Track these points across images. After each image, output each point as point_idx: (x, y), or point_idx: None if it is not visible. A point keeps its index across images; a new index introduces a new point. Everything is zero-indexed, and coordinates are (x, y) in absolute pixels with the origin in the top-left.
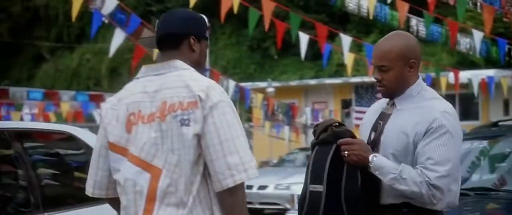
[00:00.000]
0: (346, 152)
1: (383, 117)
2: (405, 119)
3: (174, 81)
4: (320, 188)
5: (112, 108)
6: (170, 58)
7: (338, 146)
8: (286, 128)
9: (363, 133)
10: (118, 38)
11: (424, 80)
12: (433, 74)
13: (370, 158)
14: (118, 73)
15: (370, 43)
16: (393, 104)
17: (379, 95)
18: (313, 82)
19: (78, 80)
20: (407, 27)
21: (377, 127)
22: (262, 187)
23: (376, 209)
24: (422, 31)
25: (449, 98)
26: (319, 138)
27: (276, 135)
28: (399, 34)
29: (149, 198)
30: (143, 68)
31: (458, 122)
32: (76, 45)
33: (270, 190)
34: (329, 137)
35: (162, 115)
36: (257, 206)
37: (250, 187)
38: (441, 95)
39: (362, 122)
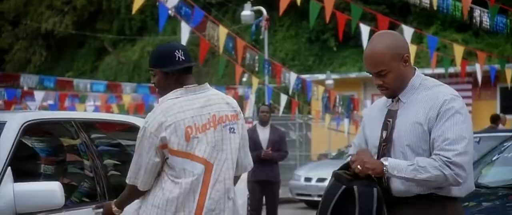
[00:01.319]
0: (359, 166)
1: (391, 114)
2: (415, 110)
3: (215, 99)
4: None
5: (169, 125)
6: (195, 82)
7: (346, 188)
8: (346, 121)
9: (371, 134)
10: (185, 31)
11: (488, 72)
12: (497, 66)
13: (383, 161)
14: None
15: (432, 34)
16: (398, 100)
17: None
18: None
19: (140, 72)
20: (470, 18)
21: (388, 125)
22: (321, 180)
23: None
24: (486, 22)
25: None
26: (338, 171)
27: (336, 127)
28: (383, 34)
29: (204, 185)
30: (183, 90)
31: (465, 104)
32: (137, 37)
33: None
34: (343, 178)
35: (214, 125)
36: (316, 198)
37: (309, 179)
38: (506, 88)
39: (366, 125)
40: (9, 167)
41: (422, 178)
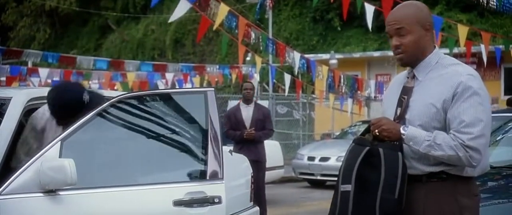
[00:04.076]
0: (376, 130)
1: (406, 91)
2: (430, 89)
3: None
4: (348, 187)
5: None
6: None
7: (370, 149)
8: (350, 101)
9: (388, 111)
10: (182, 7)
11: (493, 52)
12: (502, 47)
13: (401, 129)
14: (182, 43)
15: (437, 14)
16: (414, 77)
17: None
18: (376, 54)
19: (143, 50)
20: None
21: (402, 102)
22: (324, 159)
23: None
24: (493, 2)
25: None
26: (359, 136)
27: (339, 107)
28: (411, 2)
29: None
30: None
31: (483, 84)
32: (141, 15)
33: (332, 162)
34: (365, 141)
35: None
36: (319, 177)
37: (312, 158)
38: (511, 68)
39: (384, 100)
40: (59, 143)
41: (436, 155)
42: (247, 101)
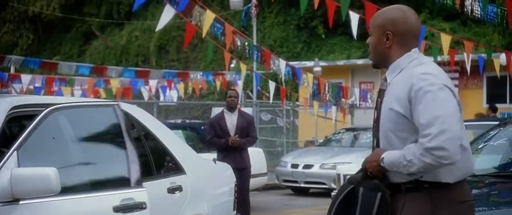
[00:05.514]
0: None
1: (380, 94)
2: (392, 93)
3: None
4: None
5: None
6: None
7: (353, 188)
8: (334, 108)
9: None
10: (168, 14)
11: (476, 61)
12: (484, 56)
13: (381, 163)
14: (166, 50)
15: (421, 22)
16: (386, 79)
17: None
18: (360, 61)
19: (127, 57)
20: (462, 6)
21: (377, 105)
22: (308, 166)
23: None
24: (477, 11)
25: (503, 79)
26: (354, 174)
27: (323, 115)
28: (394, 7)
29: None
30: None
31: (441, 77)
32: (125, 22)
33: (315, 169)
34: (353, 179)
35: None
36: (302, 185)
37: (295, 166)
38: (493, 77)
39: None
40: (15, 152)
41: (414, 171)
42: (231, 109)
